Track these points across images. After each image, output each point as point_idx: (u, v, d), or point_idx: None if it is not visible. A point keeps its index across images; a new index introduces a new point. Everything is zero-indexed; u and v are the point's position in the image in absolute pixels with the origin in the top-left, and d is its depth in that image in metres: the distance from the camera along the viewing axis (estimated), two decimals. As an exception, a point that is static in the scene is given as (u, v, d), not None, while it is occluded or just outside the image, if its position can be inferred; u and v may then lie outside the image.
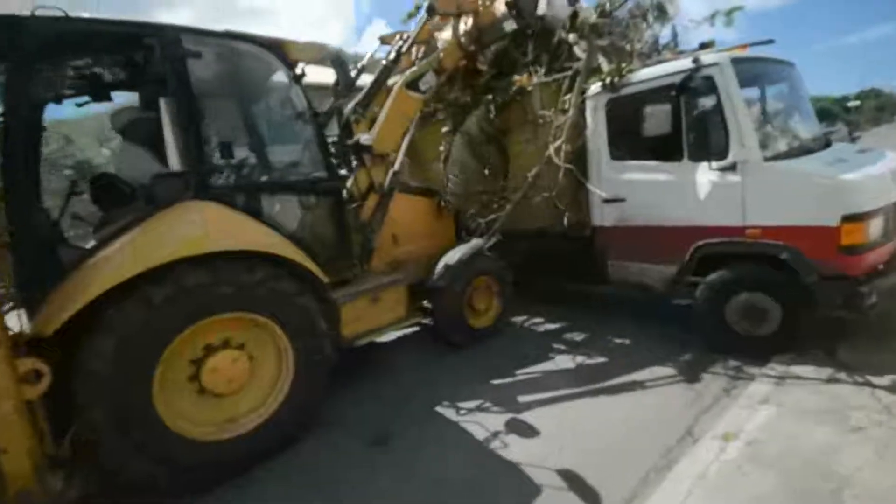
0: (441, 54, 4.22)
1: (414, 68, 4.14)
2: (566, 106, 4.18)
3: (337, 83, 3.67)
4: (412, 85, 4.06)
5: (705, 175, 3.44)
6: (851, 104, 41.61)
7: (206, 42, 2.81)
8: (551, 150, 4.08)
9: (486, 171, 4.98)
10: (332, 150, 3.55)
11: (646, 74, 3.70)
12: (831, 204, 2.98)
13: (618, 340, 4.13)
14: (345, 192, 3.67)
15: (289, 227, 3.09)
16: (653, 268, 3.97)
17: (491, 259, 4.31)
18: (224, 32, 2.97)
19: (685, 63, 3.43)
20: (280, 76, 3.21)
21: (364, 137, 3.70)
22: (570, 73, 4.25)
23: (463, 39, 4.34)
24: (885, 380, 2.85)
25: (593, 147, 4.15)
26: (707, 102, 3.31)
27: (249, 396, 2.78)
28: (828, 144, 3.83)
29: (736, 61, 3.31)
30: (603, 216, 4.22)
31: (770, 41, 4.20)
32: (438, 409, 3.23)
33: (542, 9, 4.34)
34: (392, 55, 4.11)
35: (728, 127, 3.28)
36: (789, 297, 3.25)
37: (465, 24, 4.44)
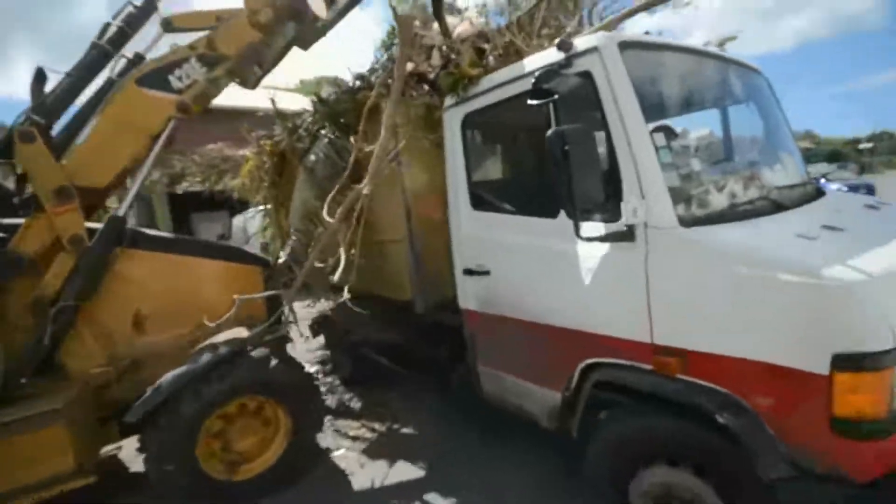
0: (215, 33, 2.74)
1: (160, 55, 2.69)
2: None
3: None
4: (156, 79, 2.63)
5: (588, 244, 1.93)
6: (863, 146, 40.30)
7: None
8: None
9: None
10: None
11: (501, 76, 2.26)
12: (814, 328, 1.42)
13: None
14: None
15: None
16: (531, 388, 2.40)
17: (266, 363, 2.57)
18: None
19: (548, 54, 1.99)
20: None
21: None
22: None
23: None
24: None
25: (451, 187, 2.69)
26: (584, 117, 1.84)
27: None
28: (818, 195, 2.32)
29: (630, 46, 1.84)
30: (466, 294, 2.70)
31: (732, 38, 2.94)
32: None
33: None
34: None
35: (618, 161, 1.79)
36: (738, 491, 1.65)
37: None
